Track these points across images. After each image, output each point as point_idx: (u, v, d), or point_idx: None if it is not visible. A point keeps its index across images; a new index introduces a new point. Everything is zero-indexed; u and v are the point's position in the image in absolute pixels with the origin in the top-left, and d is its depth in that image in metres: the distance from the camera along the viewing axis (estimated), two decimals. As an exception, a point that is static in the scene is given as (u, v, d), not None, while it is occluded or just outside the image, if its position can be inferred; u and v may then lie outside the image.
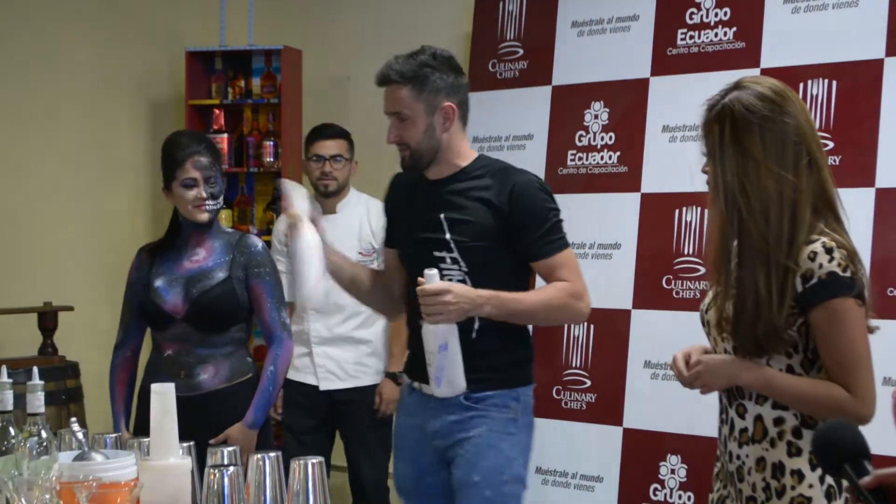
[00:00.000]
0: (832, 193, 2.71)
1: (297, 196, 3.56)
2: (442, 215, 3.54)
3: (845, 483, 2.67)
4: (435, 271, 3.40)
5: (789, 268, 2.62)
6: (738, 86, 2.74)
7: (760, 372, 2.70)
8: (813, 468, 2.65)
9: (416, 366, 3.61)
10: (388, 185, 3.88)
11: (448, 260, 3.52)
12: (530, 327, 3.72)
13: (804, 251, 2.62)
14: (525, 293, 3.55)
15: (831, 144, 4.57)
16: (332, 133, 5.39)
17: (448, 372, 3.40)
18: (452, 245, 3.51)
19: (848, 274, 2.61)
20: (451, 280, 3.48)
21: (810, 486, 2.65)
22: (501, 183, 3.54)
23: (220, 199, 4.07)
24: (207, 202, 3.98)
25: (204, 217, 3.99)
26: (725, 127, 2.68)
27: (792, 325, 2.64)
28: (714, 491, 2.90)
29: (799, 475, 2.66)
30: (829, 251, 2.61)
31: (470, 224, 3.52)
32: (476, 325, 3.49)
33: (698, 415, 4.71)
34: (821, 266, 2.60)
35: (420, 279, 3.38)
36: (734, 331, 2.70)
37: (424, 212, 3.59)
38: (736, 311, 2.69)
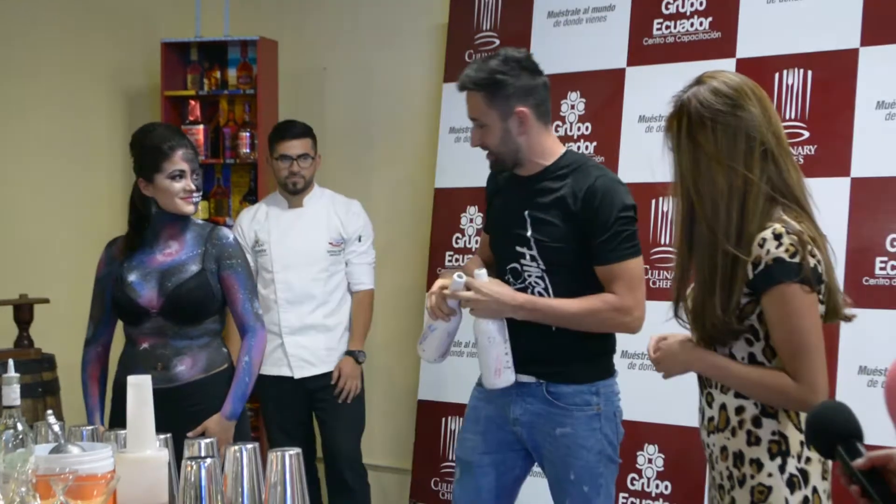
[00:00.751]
0: (793, 183, 2.72)
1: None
2: (526, 213, 3.64)
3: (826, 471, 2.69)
4: (484, 271, 3.60)
5: (738, 257, 2.63)
6: (698, 81, 2.78)
7: (712, 359, 2.75)
8: (772, 457, 2.67)
9: None
10: (488, 179, 3.95)
11: (528, 257, 3.63)
12: None
13: (755, 239, 2.64)
14: (567, 301, 3.59)
15: (806, 134, 4.59)
16: (297, 132, 5.44)
17: (493, 365, 3.56)
18: (532, 243, 3.61)
19: (796, 259, 2.62)
20: (529, 276, 3.62)
21: (769, 475, 2.66)
22: (578, 184, 3.59)
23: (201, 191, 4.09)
24: (195, 194, 4.00)
25: (191, 209, 4.01)
26: (682, 123, 2.74)
27: (751, 314, 2.67)
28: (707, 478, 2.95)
29: (757, 464, 2.68)
30: (777, 237, 2.63)
31: (549, 224, 3.60)
32: None
33: (675, 404, 4.73)
34: (768, 252, 2.62)
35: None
36: (693, 321, 2.74)
37: (513, 207, 3.70)
38: (695, 302, 2.72)
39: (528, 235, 3.61)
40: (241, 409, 4.02)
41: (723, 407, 2.74)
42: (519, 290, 3.64)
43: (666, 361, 2.87)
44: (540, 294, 3.62)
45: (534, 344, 3.63)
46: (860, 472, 1.93)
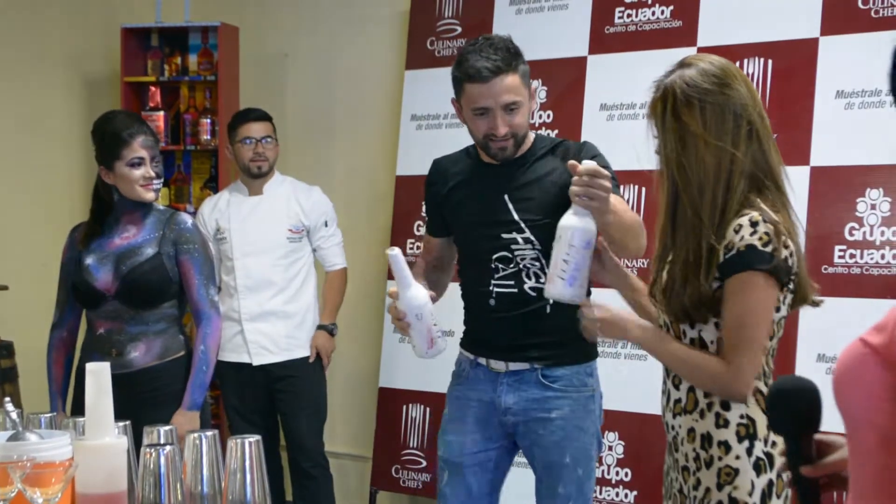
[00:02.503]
0: (774, 164, 2.74)
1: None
2: (506, 196, 3.60)
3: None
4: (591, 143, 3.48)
5: (715, 245, 2.65)
6: (682, 64, 2.77)
7: (651, 331, 2.78)
8: (740, 440, 2.68)
9: (480, 341, 3.71)
10: (429, 172, 3.85)
11: (520, 241, 3.58)
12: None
13: (732, 224, 2.65)
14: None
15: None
16: (258, 116, 5.48)
17: (583, 274, 3.02)
18: (524, 225, 3.57)
19: (768, 249, 2.63)
20: (523, 259, 3.57)
21: (737, 457, 2.67)
22: (559, 157, 3.59)
23: (162, 178, 4.09)
24: (154, 181, 3.98)
25: (151, 196, 4.00)
26: (667, 105, 2.72)
27: (721, 298, 2.68)
28: (666, 462, 2.94)
29: (725, 446, 2.69)
30: (753, 224, 2.63)
31: (536, 202, 3.57)
32: (550, 301, 3.49)
33: (635, 392, 4.75)
34: (741, 238, 2.63)
35: (574, 162, 3.03)
36: (665, 300, 2.74)
37: (488, 196, 3.63)
38: (669, 280, 2.72)
39: (515, 219, 3.57)
40: (202, 398, 4.01)
41: (691, 389, 2.75)
42: (509, 274, 3.59)
43: (605, 326, 2.85)
44: (536, 274, 3.56)
45: (526, 329, 3.60)
46: (803, 477, 1.90)
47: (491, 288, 3.62)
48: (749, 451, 2.68)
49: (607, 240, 3.17)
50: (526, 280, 3.58)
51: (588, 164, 2.96)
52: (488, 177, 3.66)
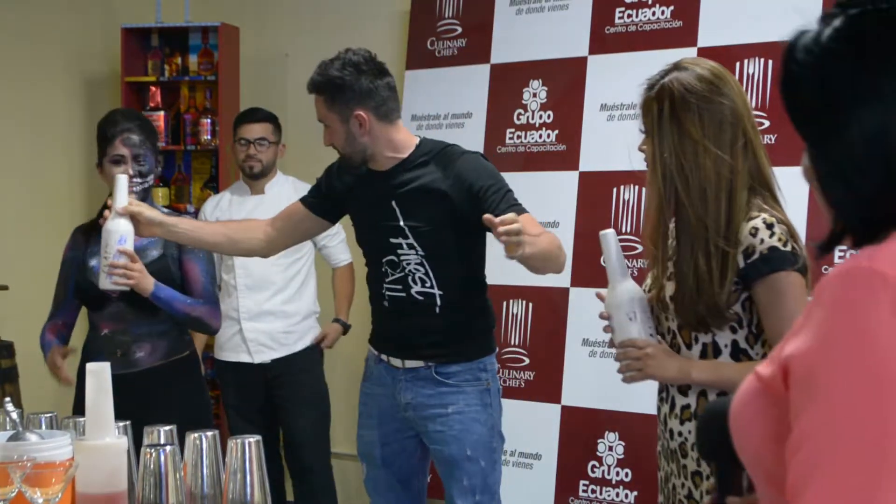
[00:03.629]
0: (768, 174, 2.75)
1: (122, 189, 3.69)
2: (394, 202, 3.66)
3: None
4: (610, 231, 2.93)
5: (728, 249, 2.64)
6: (677, 66, 2.77)
7: (711, 368, 2.71)
8: None
9: (381, 339, 3.84)
10: (335, 163, 3.91)
11: (405, 245, 3.65)
12: (488, 298, 3.87)
13: (744, 228, 2.65)
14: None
15: (767, 123, 4.61)
16: (258, 117, 5.51)
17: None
18: (408, 231, 3.64)
19: (788, 248, 2.64)
20: (409, 264, 3.66)
21: None
22: (445, 167, 3.64)
23: (150, 178, 4.04)
24: (134, 181, 3.95)
25: (131, 196, 3.97)
26: (664, 106, 2.71)
27: (736, 302, 2.67)
28: (660, 469, 2.92)
29: None
30: (769, 226, 2.64)
31: (422, 210, 3.63)
32: (439, 302, 3.66)
33: (636, 392, 4.73)
34: (762, 241, 2.63)
35: (490, 217, 3.18)
36: (677, 309, 2.72)
37: (378, 199, 3.70)
38: (677, 289, 2.71)
39: (401, 225, 3.65)
40: (163, 297, 3.89)
41: (702, 394, 2.74)
42: (397, 279, 3.69)
43: (654, 364, 2.75)
44: (421, 279, 3.66)
45: (419, 328, 3.70)
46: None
47: (384, 290, 3.74)
48: None
49: (528, 268, 3.42)
50: (412, 285, 3.68)
51: (507, 227, 3.12)
52: (376, 181, 3.73)
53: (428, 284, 3.66)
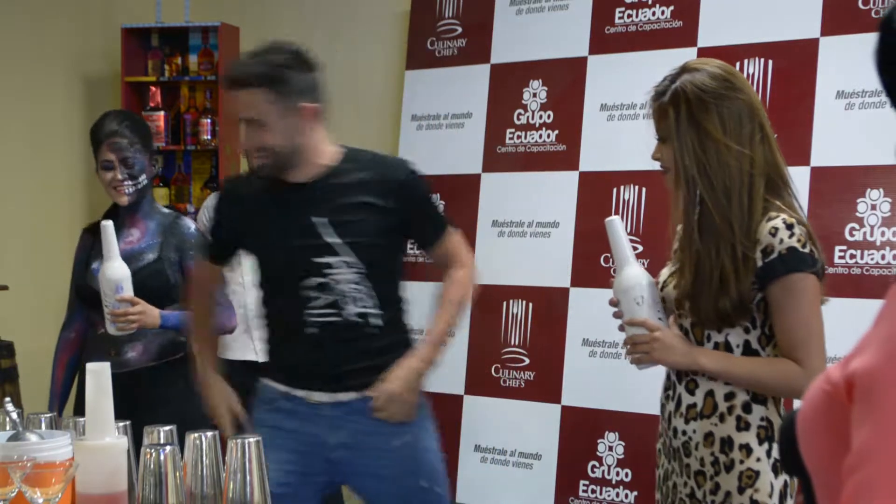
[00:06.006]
0: (781, 163, 2.75)
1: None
2: (317, 219, 3.33)
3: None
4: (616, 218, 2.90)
5: (749, 246, 2.64)
6: (685, 69, 2.75)
7: (714, 353, 2.72)
8: (760, 442, 2.68)
9: (296, 373, 3.42)
10: (220, 194, 3.68)
11: (337, 264, 3.30)
12: (408, 311, 3.54)
13: (764, 227, 2.65)
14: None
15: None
16: None
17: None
18: (343, 247, 3.31)
19: (807, 250, 2.64)
20: (341, 284, 3.31)
21: (758, 459, 2.67)
22: (381, 177, 3.37)
23: (142, 179, 4.01)
24: (125, 183, 3.95)
25: (123, 200, 3.98)
26: (681, 109, 2.69)
27: (752, 301, 2.67)
28: (659, 466, 2.92)
29: (747, 449, 2.68)
30: (789, 227, 2.64)
31: (359, 223, 3.33)
32: (379, 322, 3.35)
33: (636, 392, 4.75)
34: (781, 241, 2.63)
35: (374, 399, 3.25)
36: (694, 306, 2.71)
37: (294, 217, 3.36)
38: (696, 287, 2.70)
39: (329, 242, 3.29)
40: (171, 325, 3.91)
41: (710, 394, 2.73)
42: (329, 303, 3.32)
43: (661, 350, 2.73)
44: (358, 299, 3.32)
45: (353, 356, 3.35)
46: None
47: (307, 318, 3.33)
48: (769, 454, 2.68)
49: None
50: (346, 306, 3.32)
51: (381, 404, 3.24)
52: (294, 197, 3.37)
53: (366, 304, 3.32)
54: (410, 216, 3.40)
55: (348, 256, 3.30)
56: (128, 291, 3.76)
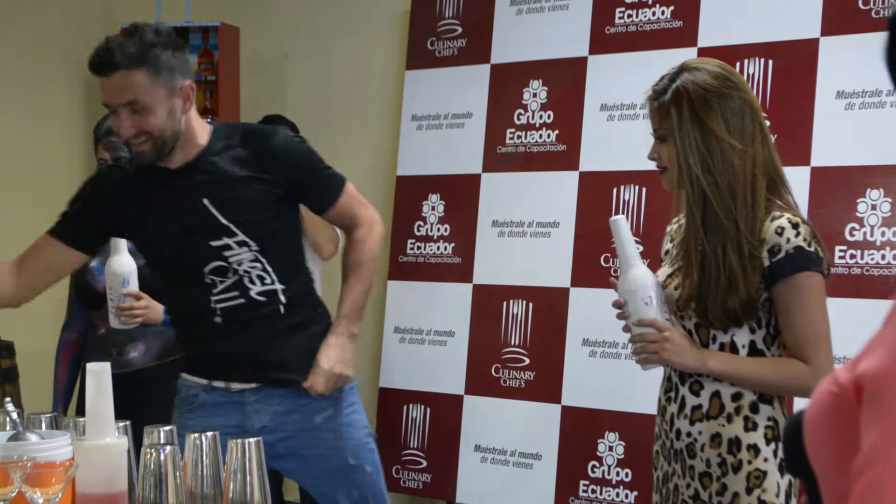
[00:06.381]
0: (778, 162, 2.75)
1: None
2: (206, 201, 3.23)
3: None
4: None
5: (755, 245, 2.64)
6: (684, 69, 2.74)
7: (722, 354, 2.71)
8: (767, 442, 2.68)
9: (212, 364, 3.36)
10: (89, 182, 3.54)
11: (233, 245, 3.23)
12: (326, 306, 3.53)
13: (769, 226, 2.64)
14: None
15: (767, 123, 4.61)
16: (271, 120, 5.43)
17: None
18: (235, 228, 3.22)
19: (813, 249, 2.64)
20: (241, 265, 3.24)
21: (765, 459, 2.67)
22: (256, 150, 3.27)
23: None
24: None
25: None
26: (683, 108, 2.69)
27: (759, 300, 2.67)
28: (658, 469, 2.91)
29: (755, 449, 2.68)
30: (795, 226, 2.64)
31: (245, 200, 3.24)
32: (282, 299, 3.30)
33: (636, 392, 4.75)
34: (788, 241, 2.63)
35: (309, 387, 3.24)
36: (701, 307, 2.70)
37: (182, 202, 3.25)
38: (703, 287, 2.69)
39: (223, 223, 3.21)
40: None
41: (716, 394, 2.72)
42: (230, 285, 3.25)
43: (672, 349, 2.71)
44: (260, 277, 3.26)
45: (262, 338, 3.30)
46: None
47: (213, 305, 3.27)
48: (776, 454, 2.67)
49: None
50: (251, 286, 3.26)
51: (318, 386, 3.21)
52: (175, 181, 3.27)
53: (267, 281, 3.25)
54: (293, 184, 3.30)
55: (241, 236, 3.22)
56: (134, 286, 3.77)
